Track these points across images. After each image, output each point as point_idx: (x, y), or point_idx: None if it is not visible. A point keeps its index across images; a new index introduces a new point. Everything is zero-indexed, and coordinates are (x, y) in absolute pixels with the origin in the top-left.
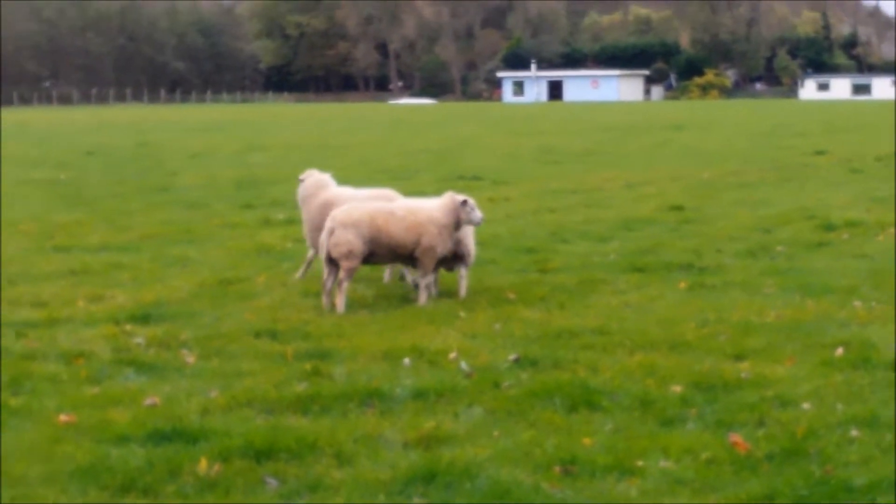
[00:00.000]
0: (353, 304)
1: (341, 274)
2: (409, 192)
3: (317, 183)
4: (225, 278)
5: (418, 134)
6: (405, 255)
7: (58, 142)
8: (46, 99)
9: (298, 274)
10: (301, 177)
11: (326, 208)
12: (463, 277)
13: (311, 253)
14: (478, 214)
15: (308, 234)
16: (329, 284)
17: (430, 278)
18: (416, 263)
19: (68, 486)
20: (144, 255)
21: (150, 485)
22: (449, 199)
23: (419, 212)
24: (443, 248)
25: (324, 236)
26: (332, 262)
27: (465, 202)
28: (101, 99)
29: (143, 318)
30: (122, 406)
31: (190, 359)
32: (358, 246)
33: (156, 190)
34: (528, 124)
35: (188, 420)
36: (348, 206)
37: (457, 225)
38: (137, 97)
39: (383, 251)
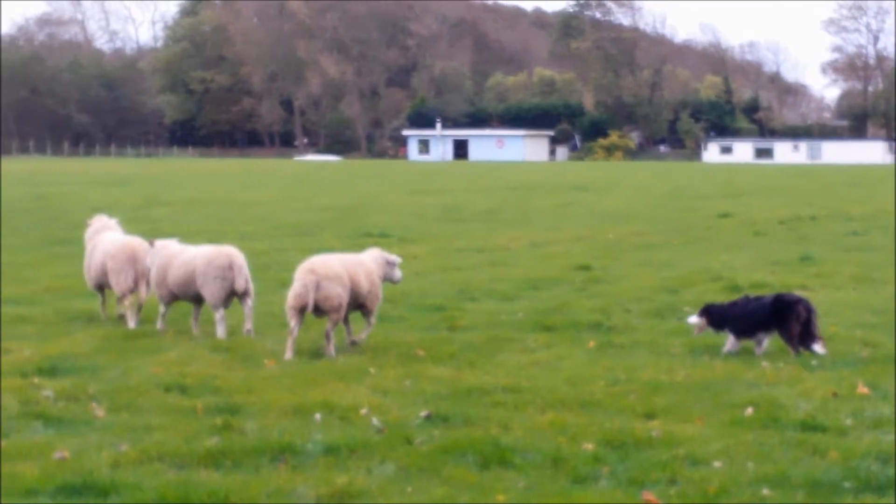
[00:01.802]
0: (262, 359)
1: (328, 325)
2: (314, 250)
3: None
4: (131, 332)
5: (323, 190)
6: (359, 303)
7: None
8: None
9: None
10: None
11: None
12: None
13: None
14: (398, 273)
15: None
16: (296, 333)
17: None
18: (364, 311)
19: None
20: (48, 308)
21: None
22: (378, 253)
23: (365, 262)
24: (380, 295)
25: (300, 288)
26: (301, 312)
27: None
28: (4, 151)
29: (49, 371)
30: (30, 460)
31: (99, 412)
32: (346, 298)
33: (57, 242)
34: (434, 182)
35: (98, 474)
36: (322, 259)
37: (383, 278)
38: (40, 150)
39: (350, 299)
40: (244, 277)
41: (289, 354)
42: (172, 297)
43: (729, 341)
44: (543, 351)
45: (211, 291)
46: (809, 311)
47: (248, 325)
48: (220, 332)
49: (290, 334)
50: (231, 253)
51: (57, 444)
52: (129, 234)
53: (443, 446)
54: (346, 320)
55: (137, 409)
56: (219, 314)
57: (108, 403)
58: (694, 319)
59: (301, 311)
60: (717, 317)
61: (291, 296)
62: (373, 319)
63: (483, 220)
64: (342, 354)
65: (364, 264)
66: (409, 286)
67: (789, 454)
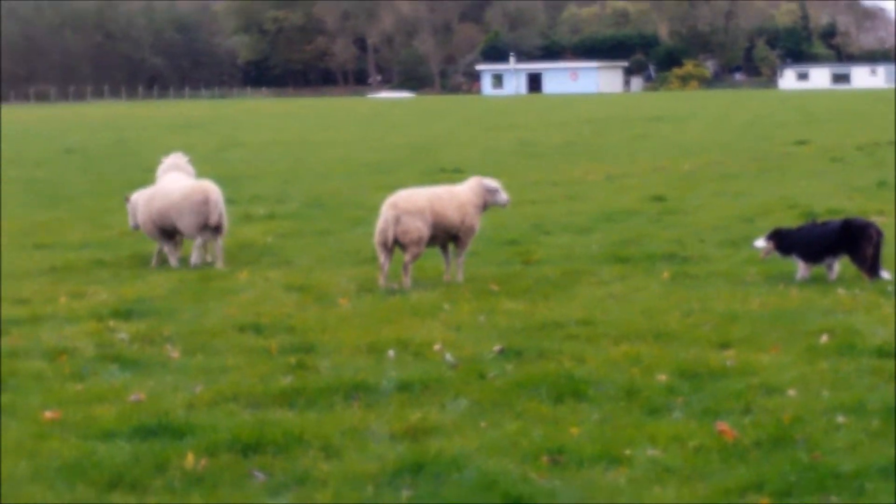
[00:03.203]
0: (336, 297)
1: (407, 257)
2: (388, 187)
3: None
4: (206, 274)
5: (397, 128)
6: (452, 236)
7: (35, 140)
8: (23, 97)
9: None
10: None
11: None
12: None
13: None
14: (503, 196)
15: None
16: (387, 267)
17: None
18: (458, 244)
19: (55, 483)
20: (125, 252)
21: (137, 480)
22: (476, 182)
23: (460, 194)
24: (477, 227)
25: (382, 223)
26: (388, 248)
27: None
28: (79, 96)
29: (125, 315)
30: (106, 402)
31: (174, 354)
32: (426, 232)
33: (135, 187)
34: (508, 117)
35: (174, 415)
36: (407, 193)
37: (484, 206)
38: (115, 94)
39: (440, 233)
40: (219, 212)
41: (407, 285)
42: (159, 231)
43: (800, 268)
44: (618, 283)
45: (186, 223)
46: (880, 234)
47: (220, 264)
48: (195, 257)
49: (380, 269)
50: (207, 188)
51: (133, 386)
52: (199, 177)
53: (516, 380)
54: (444, 255)
55: (212, 351)
56: (197, 241)
57: (183, 345)
58: (761, 243)
59: (385, 245)
60: (784, 240)
61: (376, 231)
62: (462, 259)
63: (558, 153)
64: (416, 290)
65: (457, 196)
66: (483, 221)
67: (865, 381)
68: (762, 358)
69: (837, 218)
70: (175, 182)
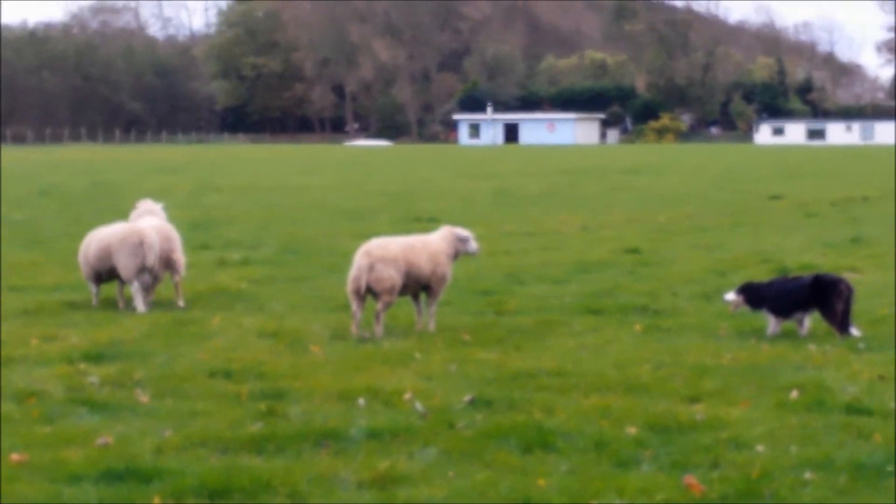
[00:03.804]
0: (308, 344)
1: (379, 305)
2: (364, 235)
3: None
4: (179, 318)
5: (374, 175)
6: (423, 285)
7: (12, 181)
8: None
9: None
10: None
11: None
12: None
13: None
14: (474, 245)
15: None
16: (359, 315)
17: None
18: (429, 293)
19: None
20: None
21: None
22: (447, 231)
23: (431, 243)
24: (449, 276)
25: (355, 271)
26: (360, 296)
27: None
28: (56, 139)
29: (96, 358)
30: (75, 445)
31: (144, 398)
32: (399, 280)
33: None
34: (484, 167)
35: (142, 459)
36: (380, 242)
37: (455, 255)
38: (92, 137)
39: (411, 282)
40: (154, 254)
41: (354, 330)
42: (95, 274)
43: (770, 322)
44: (591, 335)
45: (123, 266)
46: (850, 290)
47: (180, 302)
48: (137, 302)
49: (352, 316)
50: (142, 231)
51: (101, 429)
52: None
53: (486, 431)
54: (416, 304)
55: (182, 395)
56: (133, 286)
57: (153, 389)
58: (731, 296)
59: (358, 293)
60: (754, 295)
61: (349, 278)
62: (433, 308)
63: (533, 203)
64: (388, 339)
65: (429, 246)
66: (457, 270)
67: (833, 438)
68: (732, 412)
69: (809, 273)
70: (111, 226)
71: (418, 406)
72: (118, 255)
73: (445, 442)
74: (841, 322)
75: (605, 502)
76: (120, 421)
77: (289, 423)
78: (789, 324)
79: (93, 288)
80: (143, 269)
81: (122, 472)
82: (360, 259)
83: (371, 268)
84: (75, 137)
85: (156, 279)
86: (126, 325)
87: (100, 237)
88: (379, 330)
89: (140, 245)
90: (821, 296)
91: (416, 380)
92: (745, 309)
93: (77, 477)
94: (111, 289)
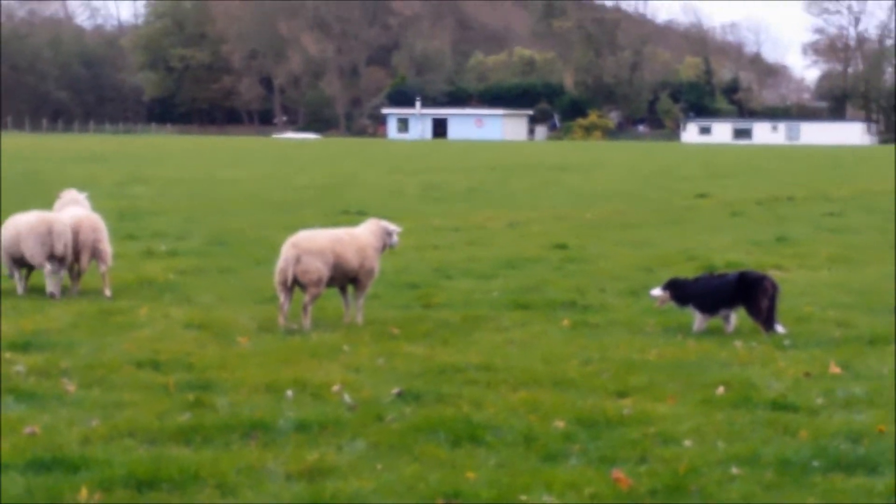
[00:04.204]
0: (236, 336)
1: (306, 298)
2: (292, 227)
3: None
4: (106, 308)
5: (302, 168)
6: (351, 278)
7: None
8: None
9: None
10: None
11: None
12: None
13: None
14: (396, 238)
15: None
16: (286, 307)
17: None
18: (357, 286)
19: None
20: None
21: None
22: (375, 224)
23: (359, 237)
24: (377, 269)
25: (282, 263)
26: (287, 287)
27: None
28: None
29: (23, 347)
30: (1, 434)
31: (70, 388)
32: (326, 272)
33: None
34: (413, 161)
35: (69, 449)
36: (307, 234)
37: (383, 248)
38: (19, 126)
39: (338, 275)
40: (63, 242)
41: (307, 327)
42: (12, 261)
43: (697, 319)
44: (518, 330)
45: (31, 253)
46: (775, 287)
47: (107, 292)
48: (49, 284)
49: (279, 309)
50: (51, 219)
51: (27, 419)
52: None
53: (414, 424)
54: (344, 297)
55: (109, 386)
56: (46, 269)
57: (80, 379)
58: (657, 292)
59: (285, 284)
60: (680, 291)
61: (276, 270)
62: (361, 301)
63: (461, 199)
64: (316, 331)
65: (357, 239)
66: (385, 264)
67: (760, 433)
68: (659, 408)
69: (735, 270)
70: (25, 214)
71: (347, 398)
72: (26, 242)
73: (374, 435)
74: (766, 319)
75: (533, 496)
76: (46, 410)
77: (217, 415)
78: (716, 321)
79: (15, 275)
80: (52, 258)
81: (49, 461)
82: (287, 251)
83: (298, 259)
84: (1, 126)
85: (81, 269)
86: (52, 315)
87: (12, 225)
88: (307, 322)
89: (49, 234)
90: (746, 293)
91: (345, 372)
92: (672, 305)
93: (3, 466)
94: (38, 277)
